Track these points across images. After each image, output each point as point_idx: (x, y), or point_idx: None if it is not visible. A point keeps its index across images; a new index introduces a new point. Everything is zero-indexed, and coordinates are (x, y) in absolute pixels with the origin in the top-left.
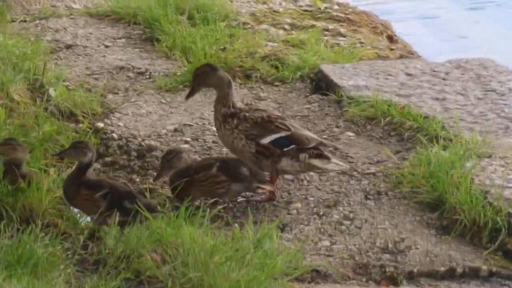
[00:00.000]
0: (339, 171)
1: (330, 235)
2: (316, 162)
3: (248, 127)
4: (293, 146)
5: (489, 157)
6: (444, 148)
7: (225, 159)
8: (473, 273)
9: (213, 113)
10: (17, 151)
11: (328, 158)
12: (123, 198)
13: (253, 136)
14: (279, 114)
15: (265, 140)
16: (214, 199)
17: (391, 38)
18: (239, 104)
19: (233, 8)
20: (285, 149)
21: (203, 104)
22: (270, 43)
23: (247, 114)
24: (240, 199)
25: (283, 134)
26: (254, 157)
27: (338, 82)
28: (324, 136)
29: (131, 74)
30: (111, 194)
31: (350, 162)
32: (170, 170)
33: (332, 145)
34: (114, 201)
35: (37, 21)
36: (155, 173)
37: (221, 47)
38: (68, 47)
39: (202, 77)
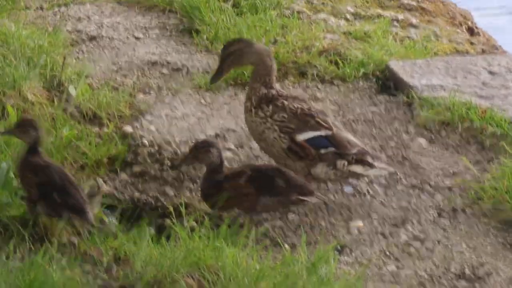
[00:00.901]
0: (385, 175)
1: (396, 259)
2: (357, 168)
3: (285, 118)
4: (332, 148)
5: None
6: None
7: (260, 167)
8: None
9: None
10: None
11: (370, 165)
12: (54, 190)
13: (290, 130)
14: (320, 108)
15: (302, 137)
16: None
17: (471, 31)
18: (278, 86)
19: None
20: (323, 151)
21: None
22: (329, 36)
23: (285, 102)
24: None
25: (323, 133)
26: (285, 154)
27: (409, 81)
28: (392, 144)
29: (165, 71)
30: (44, 183)
31: (421, 174)
32: (195, 161)
33: (376, 155)
34: (45, 191)
35: (56, 9)
36: (191, 185)
37: (272, 40)
38: (92, 38)
39: (237, 55)
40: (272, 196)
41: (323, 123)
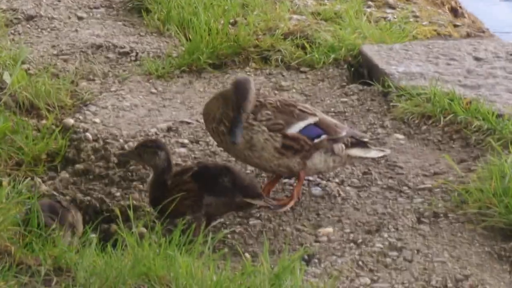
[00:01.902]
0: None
1: (370, 270)
2: (356, 152)
3: (270, 114)
4: (324, 135)
5: None
6: None
7: (208, 164)
8: None
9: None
10: None
11: (368, 147)
12: None
13: (280, 126)
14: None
15: (293, 130)
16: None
17: (455, 11)
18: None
19: None
20: (316, 140)
21: (206, 95)
22: (295, 16)
23: (261, 100)
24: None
25: (311, 120)
26: (278, 154)
27: (385, 68)
28: (365, 139)
29: (111, 55)
30: None
31: (398, 174)
32: (138, 160)
33: (363, 135)
34: None
35: None
36: (139, 185)
37: (231, 21)
38: (29, 18)
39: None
40: (216, 196)
41: (307, 110)
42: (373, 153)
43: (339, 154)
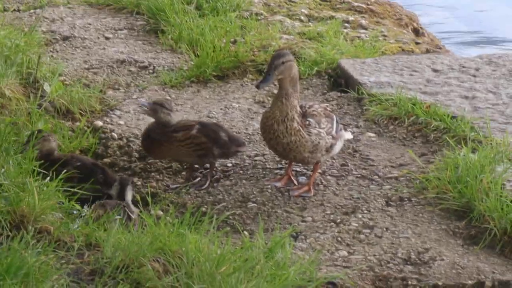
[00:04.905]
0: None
1: (347, 245)
2: (347, 135)
3: (321, 120)
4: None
5: None
6: (473, 150)
7: (205, 122)
8: (503, 287)
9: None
10: (50, 142)
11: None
12: None
13: (330, 130)
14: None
15: (334, 130)
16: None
17: (417, 31)
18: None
19: None
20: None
21: (211, 102)
22: (285, 36)
23: (311, 110)
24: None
25: (335, 118)
26: (325, 152)
27: (359, 79)
28: None
29: (133, 69)
30: None
31: (370, 165)
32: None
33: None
34: None
35: (32, 11)
36: (157, 175)
37: (232, 40)
38: (65, 38)
39: (288, 66)
40: (219, 148)
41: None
42: (349, 133)
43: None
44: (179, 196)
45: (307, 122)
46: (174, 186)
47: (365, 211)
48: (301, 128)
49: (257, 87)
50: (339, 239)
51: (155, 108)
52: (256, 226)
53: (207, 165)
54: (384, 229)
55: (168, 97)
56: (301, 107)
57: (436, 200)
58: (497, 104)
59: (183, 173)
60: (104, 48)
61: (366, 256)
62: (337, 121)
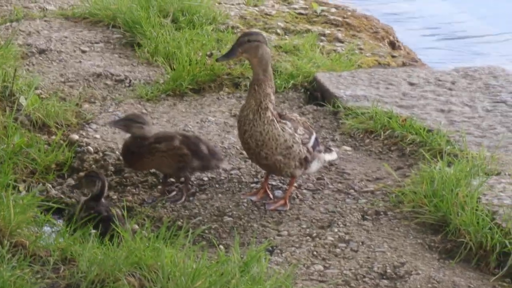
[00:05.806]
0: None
1: (323, 259)
2: (329, 156)
3: (303, 131)
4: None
5: (498, 174)
6: (449, 164)
7: (186, 134)
8: None
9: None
10: None
11: (331, 150)
12: None
13: (306, 141)
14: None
15: (310, 143)
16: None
17: (393, 44)
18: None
19: (222, 11)
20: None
21: (187, 115)
22: None
23: (288, 114)
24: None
25: (314, 134)
26: (299, 163)
27: (335, 92)
28: None
29: (109, 82)
30: None
31: (346, 179)
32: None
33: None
34: None
35: (8, 24)
36: (133, 189)
37: (208, 53)
38: (41, 52)
39: (255, 45)
40: (200, 160)
41: (309, 125)
42: (334, 154)
43: (325, 162)
44: (155, 210)
45: (284, 122)
46: (150, 200)
47: (341, 225)
48: (274, 119)
49: (217, 60)
50: (315, 253)
51: (127, 124)
52: (232, 240)
53: (182, 179)
54: (360, 243)
55: (144, 111)
56: (280, 114)
57: (412, 214)
58: (473, 118)
59: (159, 187)
60: (80, 62)
61: (342, 270)
62: (316, 139)
